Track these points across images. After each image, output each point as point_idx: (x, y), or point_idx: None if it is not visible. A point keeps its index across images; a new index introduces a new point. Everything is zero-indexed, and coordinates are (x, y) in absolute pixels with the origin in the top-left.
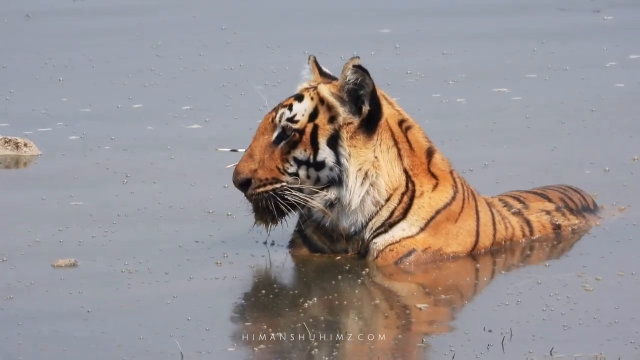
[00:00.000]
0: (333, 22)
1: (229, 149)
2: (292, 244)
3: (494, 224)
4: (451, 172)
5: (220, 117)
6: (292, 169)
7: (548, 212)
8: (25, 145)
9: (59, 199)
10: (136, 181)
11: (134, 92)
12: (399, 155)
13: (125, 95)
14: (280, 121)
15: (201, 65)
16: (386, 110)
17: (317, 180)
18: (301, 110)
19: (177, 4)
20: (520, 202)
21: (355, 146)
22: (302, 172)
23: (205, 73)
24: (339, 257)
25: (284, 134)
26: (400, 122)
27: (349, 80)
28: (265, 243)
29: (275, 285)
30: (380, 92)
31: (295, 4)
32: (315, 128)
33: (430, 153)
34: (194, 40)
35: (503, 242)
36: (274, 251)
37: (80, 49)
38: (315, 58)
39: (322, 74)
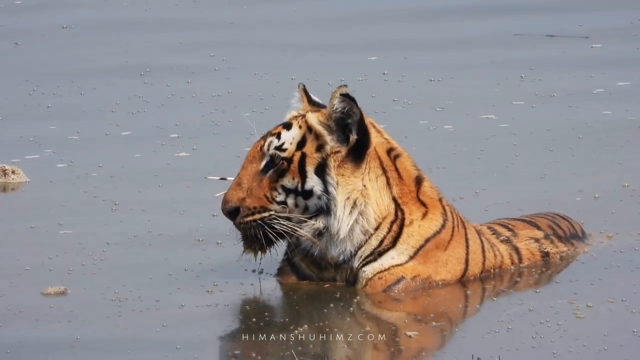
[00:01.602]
0: (320, 48)
1: (218, 177)
2: (280, 272)
3: (483, 251)
4: (440, 200)
5: (208, 144)
6: (280, 198)
7: (537, 240)
8: (13, 172)
9: (48, 227)
10: (125, 209)
11: (121, 119)
12: (388, 183)
13: (113, 123)
14: (268, 149)
15: (189, 93)
16: (374, 138)
17: (306, 209)
18: (289, 138)
19: (164, 31)
20: (509, 229)
21: (343, 175)
22: (290, 201)
23: (193, 100)
24: (327, 285)
25: (272, 162)
26: (389, 151)
27: (336, 109)
28: (254, 271)
29: (266, 313)
30: (368, 120)
31: (282, 31)
32: (303, 156)
33: (419, 181)
34: (182, 67)
35: (492, 270)
36: (263, 279)
37: (68, 76)
38: (304, 86)
39: (311, 102)
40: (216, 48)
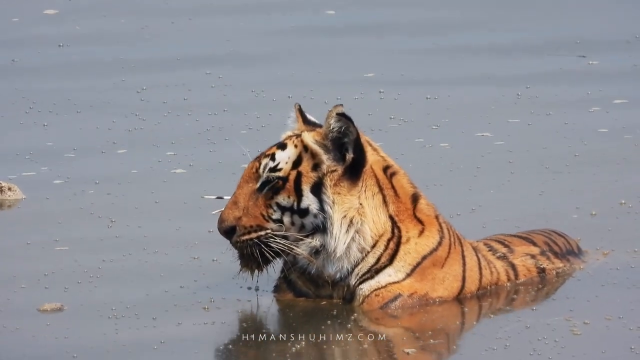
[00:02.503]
0: (317, 66)
1: (215, 197)
2: (277, 289)
3: (480, 268)
4: (437, 217)
5: (205, 161)
6: (276, 216)
7: (533, 256)
8: (9, 189)
9: (44, 244)
10: (121, 226)
11: (118, 136)
12: (384, 201)
13: (109, 140)
14: (263, 171)
15: (185, 110)
16: (371, 156)
17: (302, 227)
18: (284, 158)
19: (160, 48)
20: (505, 246)
21: (339, 193)
22: (286, 219)
23: (189, 118)
24: (324, 302)
25: (267, 182)
26: (385, 169)
27: (332, 129)
28: (249, 288)
29: (263, 330)
30: (365, 138)
31: (279, 48)
32: (299, 175)
33: (415, 199)
34: (178, 85)
35: (488, 287)
36: (259, 296)
37: (64, 94)
38: (300, 106)
39: (306, 121)
40: (213, 65)
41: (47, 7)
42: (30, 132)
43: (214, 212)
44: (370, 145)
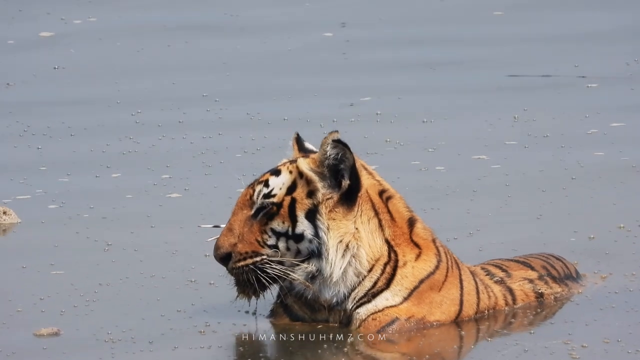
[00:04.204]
0: (313, 88)
1: (212, 225)
2: (273, 314)
3: (477, 292)
4: (434, 241)
5: (200, 185)
6: (271, 241)
7: (531, 281)
8: (4, 213)
9: (40, 268)
10: (117, 250)
11: (112, 160)
12: (380, 225)
13: (104, 164)
14: (257, 197)
15: (180, 133)
16: (366, 181)
17: (298, 252)
18: (278, 184)
19: (156, 71)
20: (503, 270)
21: (334, 219)
22: (281, 244)
23: (185, 141)
24: (321, 326)
25: (262, 208)
26: (381, 193)
27: (328, 155)
28: (246, 312)
29: (259, 355)
30: (360, 162)
31: (275, 70)
32: (293, 201)
33: (411, 222)
34: (174, 108)
35: (486, 311)
36: (256, 320)
37: (59, 117)
38: (298, 135)
39: (302, 149)
40: (208, 88)
41: (43, 29)
42: (24, 155)
43: (209, 240)
44: (366, 169)
